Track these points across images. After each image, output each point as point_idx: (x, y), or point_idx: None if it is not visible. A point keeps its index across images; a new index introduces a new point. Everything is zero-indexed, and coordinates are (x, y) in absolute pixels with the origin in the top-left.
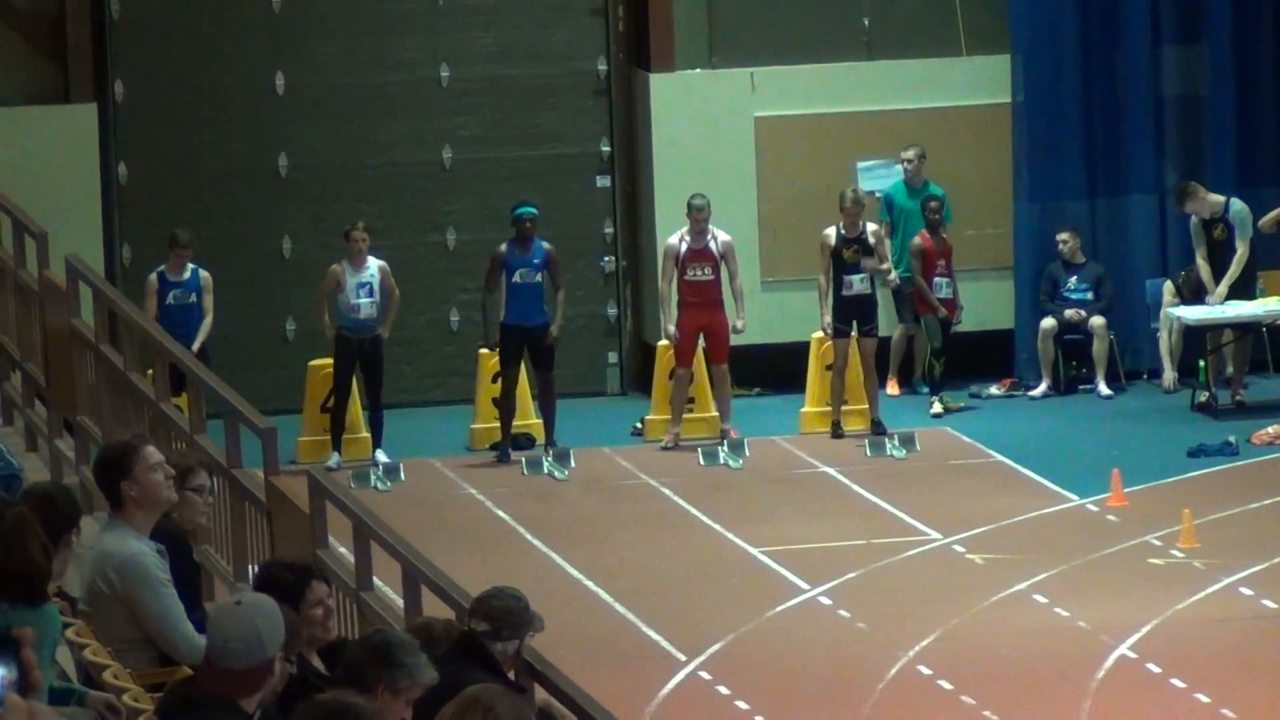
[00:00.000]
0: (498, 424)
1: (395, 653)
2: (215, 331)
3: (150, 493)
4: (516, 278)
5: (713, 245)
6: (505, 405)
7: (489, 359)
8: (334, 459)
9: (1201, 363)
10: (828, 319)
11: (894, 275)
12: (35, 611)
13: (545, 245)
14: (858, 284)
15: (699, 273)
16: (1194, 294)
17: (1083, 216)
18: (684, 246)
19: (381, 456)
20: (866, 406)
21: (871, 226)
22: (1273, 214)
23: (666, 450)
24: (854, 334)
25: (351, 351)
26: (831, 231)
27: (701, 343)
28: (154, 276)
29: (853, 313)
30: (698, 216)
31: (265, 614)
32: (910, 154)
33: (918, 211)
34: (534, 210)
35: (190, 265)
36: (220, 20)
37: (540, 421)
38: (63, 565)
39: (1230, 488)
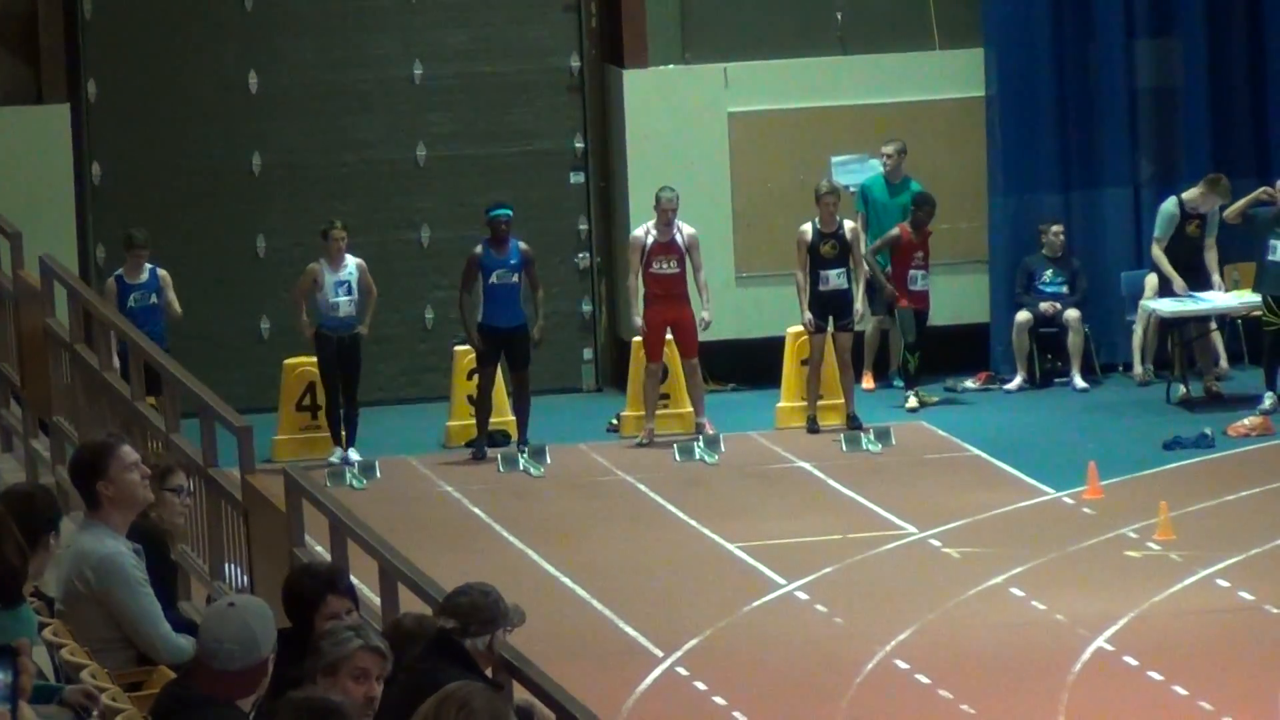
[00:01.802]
0: (473, 421)
1: (320, 643)
2: (186, 328)
3: (126, 492)
4: (493, 279)
5: (678, 238)
6: (482, 403)
7: (464, 355)
8: (336, 454)
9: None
10: (808, 316)
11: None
12: (10, 612)
13: (522, 246)
14: (834, 279)
15: (665, 266)
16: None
17: (1057, 210)
18: (650, 239)
19: (354, 455)
20: (842, 401)
21: (849, 223)
22: (1237, 204)
23: (642, 446)
24: (830, 329)
25: (331, 350)
26: (808, 228)
27: (669, 337)
28: (112, 280)
29: (829, 308)
30: (666, 208)
31: (258, 615)
32: (890, 149)
33: (893, 206)
34: (509, 212)
35: (148, 265)
36: (193, 19)
37: (514, 419)
38: (40, 567)
39: (1206, 480)
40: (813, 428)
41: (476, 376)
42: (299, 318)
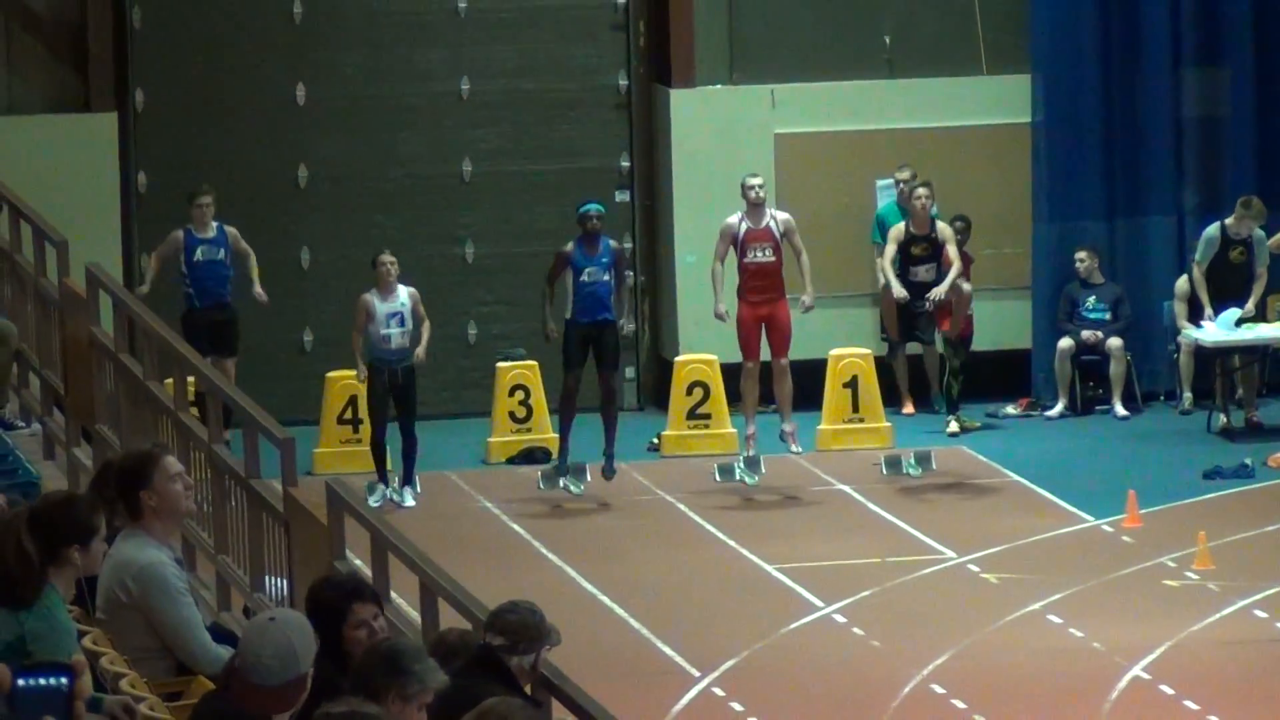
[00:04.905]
0: (514, 437)
1: (403, 660)
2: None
3: (169, 502)
4: (585, 277)
5: (772, 225)
6: (567, 410)
7: (506, 372)
8: (379, 492)
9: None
10: (897, 289)
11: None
12: (9, 618)
13: (613, 243)
14: (923, 273)
15: (759, 254)
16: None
17: (1101, 237)
18: (743, 227)
19: (408, 498)
20: (883, 425)
21: (943, 225)
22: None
23: (748, 457)
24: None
25: (384, 383)
26: (902, 226)
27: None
28: (179, 233)
29: (913, 316)
30: (749, 187)
31: (298, 630)
32: (905, 174)
33: None
34: (600, 207)
35: (214, 222)
36: (241, 30)
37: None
38: (62, 579)
39: (1245, 510)
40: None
41: (564, 379)
42: (356, 358)
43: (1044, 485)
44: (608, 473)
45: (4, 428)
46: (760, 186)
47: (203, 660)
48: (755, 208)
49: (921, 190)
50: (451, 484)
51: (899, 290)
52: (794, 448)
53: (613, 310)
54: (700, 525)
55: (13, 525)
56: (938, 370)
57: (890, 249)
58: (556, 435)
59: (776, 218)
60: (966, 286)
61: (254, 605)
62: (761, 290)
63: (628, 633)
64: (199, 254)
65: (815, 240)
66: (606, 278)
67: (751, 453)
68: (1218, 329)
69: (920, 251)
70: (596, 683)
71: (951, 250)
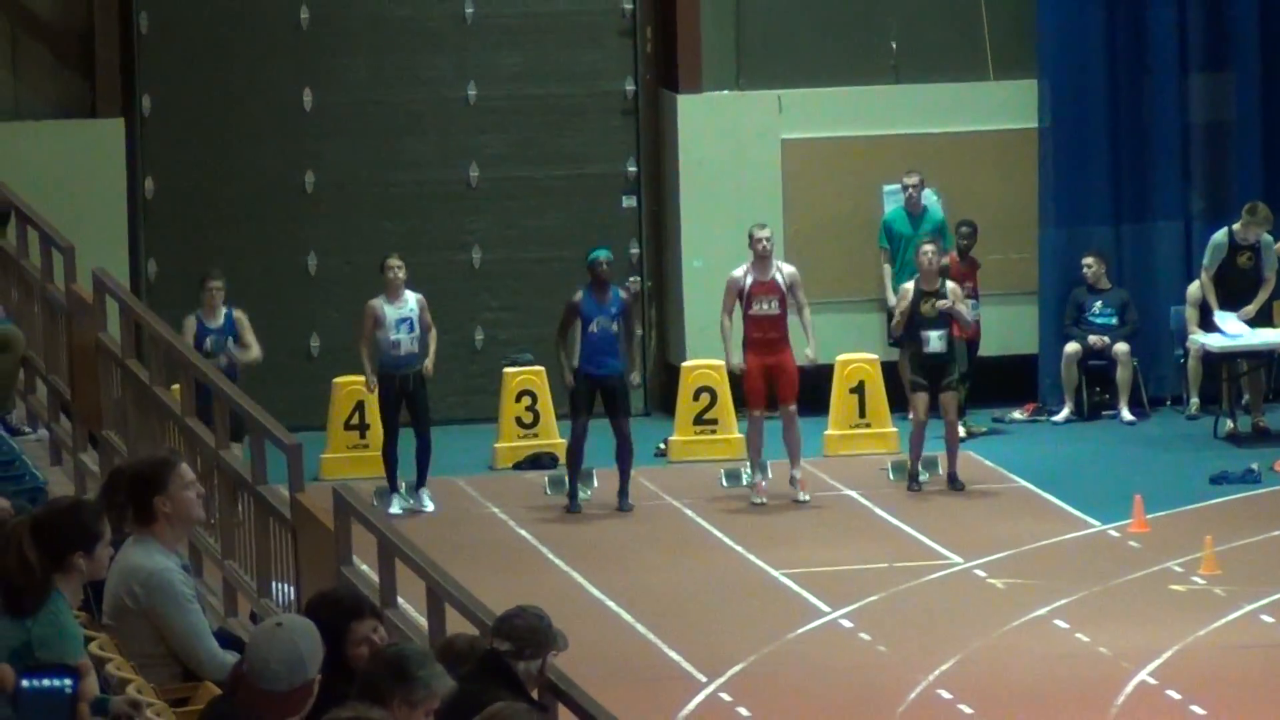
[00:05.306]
0: (521, 442)
1: (409, 666)
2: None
3: (183, 510)
4: (593, 327)
5: (778, 277)
6: (574, 458)
7: (513, 377)
8: (396, 503)
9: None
10: (908, 375)
11: (963, 308)
12: (15, 623)
13: (622, 294)
14: (935, 341)
15: (764, 306)
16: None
17: (1108, 242)
18: (748, 280)
19: (427, 502)
20: (889, 429)
21: (951, 284)
22: None
23: (757, 504)
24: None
25: (394, 391)
26: (911, 285)
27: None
28: (191, 319)
29: (930, 370)
30: (758, 240)
31: (305, 635)
32: (913, 180)
33: (916, 239)
34: (608, 253)
35: (223, 308)
36: (248, 36)
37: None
38: (68, 585)
39: (1252, 515)
40: (914, 485)
41: (571, 426)
42: (365, 366)
43: (1050, 490)
44: (625, 508)
45: (11, 433)
46: (768, 239)
47: (209, 666)
48: (762, 259)
49: (928, 247)
50: (458, 489)
51: (907, 376)
52: (801, 495)
53: (621, 360)
54: (707, 530)
55: (15, 534)
56: (956, 409)
57: (900, 307)
58: (564, 439)
59: (782, 270)
60: (971, 317)
61: (261, 611)
62: (766, 341)
63: (634, 638)
64: (208, 344)
65: (821, 246)
66: (614, 328)
67: (761, 499)
68: (1234, 321)
69: (929, 310)
70: (603, 688)
71: (961, 318)
